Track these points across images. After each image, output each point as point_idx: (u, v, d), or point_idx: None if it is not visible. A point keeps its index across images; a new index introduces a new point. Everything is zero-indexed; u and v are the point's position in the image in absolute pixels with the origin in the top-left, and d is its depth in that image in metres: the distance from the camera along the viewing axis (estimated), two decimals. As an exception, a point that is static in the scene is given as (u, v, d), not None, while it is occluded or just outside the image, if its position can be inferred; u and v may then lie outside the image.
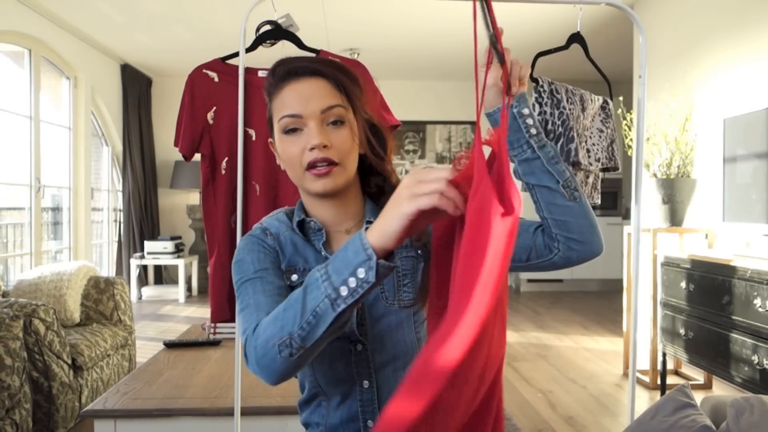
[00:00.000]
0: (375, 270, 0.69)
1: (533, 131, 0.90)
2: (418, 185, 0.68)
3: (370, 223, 0.92)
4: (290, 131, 0.91)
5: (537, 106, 1.80)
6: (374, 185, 1.00)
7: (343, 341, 0.92)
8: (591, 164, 1.88)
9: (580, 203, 0.90)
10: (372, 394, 0.93)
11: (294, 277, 0.94)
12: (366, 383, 0.93)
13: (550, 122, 1.80)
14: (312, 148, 0.88)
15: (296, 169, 0.92)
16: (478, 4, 0.68)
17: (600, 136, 1.93)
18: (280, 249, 0.95)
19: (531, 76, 1.82)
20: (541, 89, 1.80)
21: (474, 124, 6.67)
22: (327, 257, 0.94)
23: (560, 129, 1.79)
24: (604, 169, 1.98)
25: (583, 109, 1.87)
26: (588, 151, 1.89)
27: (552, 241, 0.91)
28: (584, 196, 0.92)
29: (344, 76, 0.93)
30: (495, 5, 0.71)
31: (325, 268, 0.73)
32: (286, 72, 0.92)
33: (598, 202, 2.00)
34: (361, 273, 0.69)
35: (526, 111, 0.89)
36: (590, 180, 1.97)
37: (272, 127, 0.95)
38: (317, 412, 0.97)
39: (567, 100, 1.81)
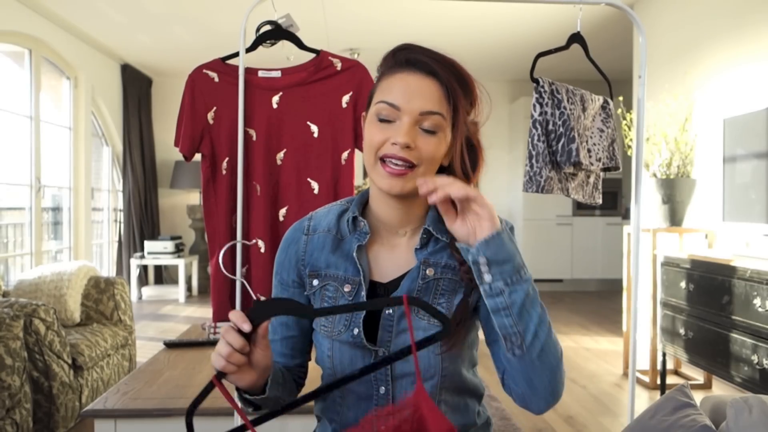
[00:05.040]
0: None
1: (487, 278, 0.80)
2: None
3: (428, 232, 0.94)
4: (382, 120, 0.89)
5: (538, 106, 1.80)
6: None
7: (365, 348, 0.92)
8: (592, 164, 1.88)
9: (521, 359, 0.84)
10: (387, 401, 0.93)
11: (315, 282, 0.96)
12: (383, 389, 0.93)
13: (551, 122, 1.80)
14: (394, 143, 0.86)
15: (370, 157, 0.90)
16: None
17: (601, 136, 1.93)
18: (307, 250, 0.97)
19: (532, 76, 1.82)
20: (542, 89, 1.80)
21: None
22: (356, 263, 0.93)
23: (561, 129, 1.79)
24: (605, 169, 1.99)
25: (584, 109, 1.87)
26: (589, 151, 1.89)
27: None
28: (534, 349, 0.84)
29: (459, 85, 0.89)
30: (496, 4, 0.71)
31: None
32: (405, 59, 0.89)
33: (600, 201, 2.01)
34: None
35: (482, 260, 0.79)
36: (591, 180, 1.98)
37: (369, 104, 0.93)
38: (332, 408, 0.98)
39: (568, 101, 1.82)
